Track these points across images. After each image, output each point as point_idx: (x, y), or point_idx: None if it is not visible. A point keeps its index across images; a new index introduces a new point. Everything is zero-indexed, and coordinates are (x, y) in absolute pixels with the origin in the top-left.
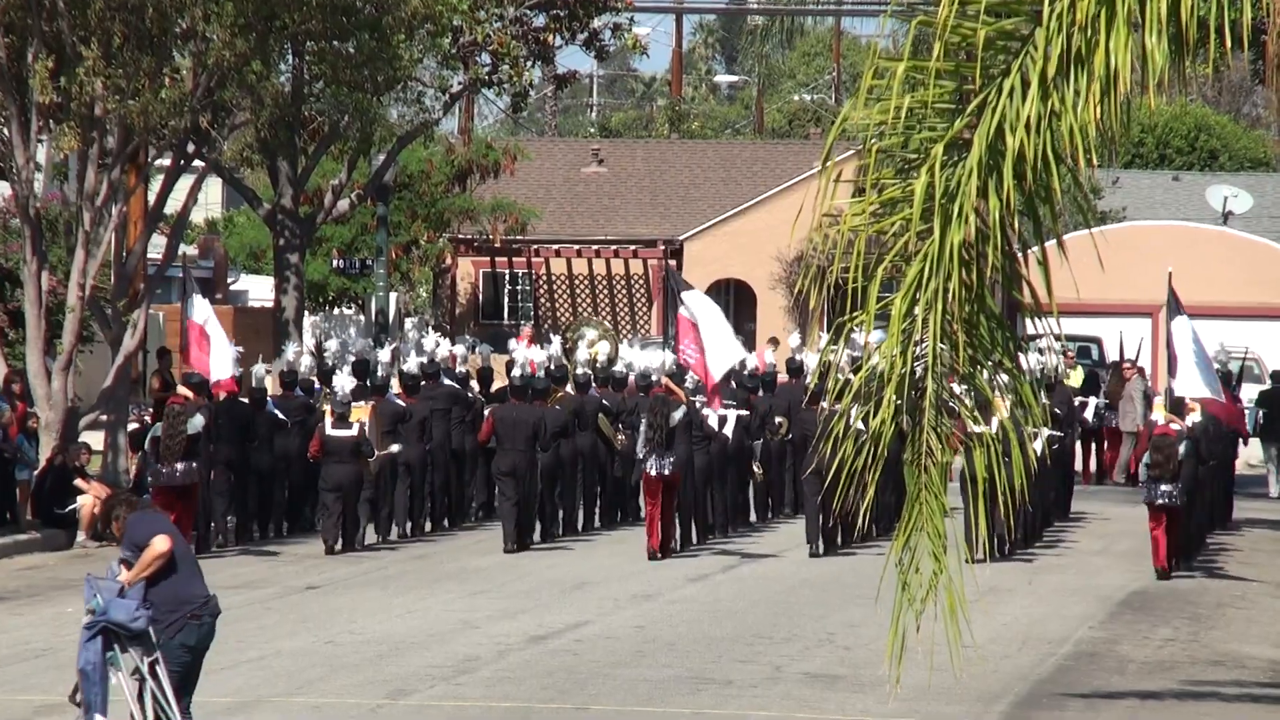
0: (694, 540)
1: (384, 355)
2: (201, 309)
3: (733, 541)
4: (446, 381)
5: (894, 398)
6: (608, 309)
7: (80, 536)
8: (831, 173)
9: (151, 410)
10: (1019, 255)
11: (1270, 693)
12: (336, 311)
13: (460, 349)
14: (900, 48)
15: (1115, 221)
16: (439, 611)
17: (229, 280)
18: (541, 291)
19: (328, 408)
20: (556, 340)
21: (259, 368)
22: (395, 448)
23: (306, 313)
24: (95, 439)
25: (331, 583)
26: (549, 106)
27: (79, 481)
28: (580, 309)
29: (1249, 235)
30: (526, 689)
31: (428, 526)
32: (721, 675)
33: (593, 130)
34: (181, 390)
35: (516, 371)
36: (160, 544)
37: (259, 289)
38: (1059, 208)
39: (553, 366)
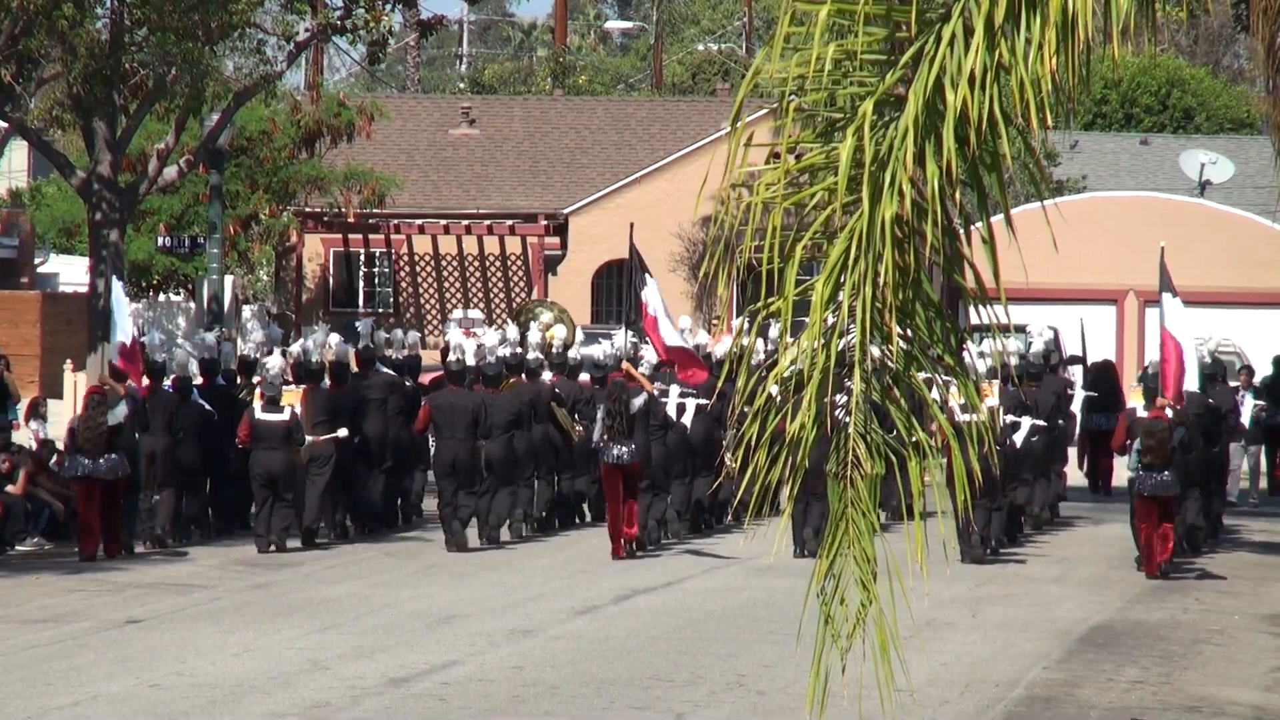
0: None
1: (210, 338)
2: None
3: (690, 543)
4: (383, 370)
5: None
6: (480, 294)
7: None
8: (741, 135)
9: None
10: (960, 232)
11: None
12: (163, 298)
13: (404, 335)
14: None
15: (1073, 192)
16: (282, 649)
17: (36, 261)
18: (403, 274)
19: (258, 391)
20: (513, 325)
21: (180, 352)
22: (342, 432)
23: (128, 299)
24: None
25: (156, 615)
26: (411, 58)
27: None
28: (448, 293)
29: (1229, 208)
30: None
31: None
32: None
33: (462, 86)
34: (104, 379)
35: (454, 356)
36: None
37: (72, 272)
38: (1008, 176)
39: (508, 354)
